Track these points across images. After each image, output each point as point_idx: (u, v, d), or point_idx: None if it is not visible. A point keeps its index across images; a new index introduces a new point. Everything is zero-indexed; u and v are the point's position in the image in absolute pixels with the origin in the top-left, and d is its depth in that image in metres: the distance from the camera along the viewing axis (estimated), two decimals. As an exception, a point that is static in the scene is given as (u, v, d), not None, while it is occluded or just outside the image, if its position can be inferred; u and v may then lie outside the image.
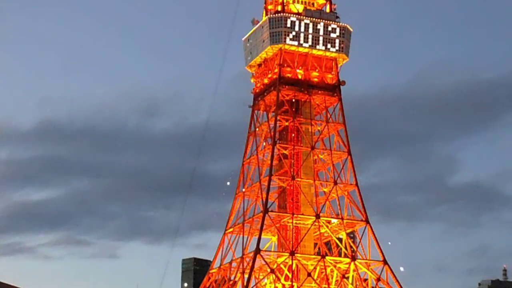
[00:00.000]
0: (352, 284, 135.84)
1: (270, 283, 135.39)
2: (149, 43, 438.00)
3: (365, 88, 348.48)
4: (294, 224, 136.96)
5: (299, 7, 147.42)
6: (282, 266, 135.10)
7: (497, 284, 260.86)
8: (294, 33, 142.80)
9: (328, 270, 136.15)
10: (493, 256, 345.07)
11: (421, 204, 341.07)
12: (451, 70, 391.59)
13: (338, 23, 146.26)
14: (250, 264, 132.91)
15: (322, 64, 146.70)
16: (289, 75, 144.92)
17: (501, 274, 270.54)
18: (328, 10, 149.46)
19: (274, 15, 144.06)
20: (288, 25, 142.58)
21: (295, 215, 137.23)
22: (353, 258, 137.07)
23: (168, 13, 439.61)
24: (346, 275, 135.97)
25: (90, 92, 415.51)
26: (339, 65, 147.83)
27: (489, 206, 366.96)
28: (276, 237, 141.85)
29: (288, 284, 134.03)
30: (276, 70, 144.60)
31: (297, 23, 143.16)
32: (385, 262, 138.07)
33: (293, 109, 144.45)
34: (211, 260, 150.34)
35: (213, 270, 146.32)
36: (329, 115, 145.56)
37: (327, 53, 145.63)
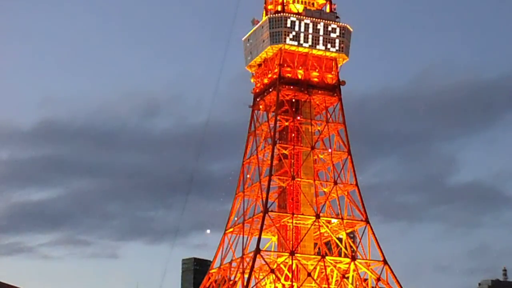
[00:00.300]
0: (352, 284, 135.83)
1: (270, 283, 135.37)
2: (150, 43, 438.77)
3: (365, 88, 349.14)
4: (294, 224, 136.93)
5: (299, 7, 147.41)
6: (282, 266, 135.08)
7: (497, 284, 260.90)
8: (294, 33, 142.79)
9: (328, 270, 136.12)
10: (493, 256, 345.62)
11: (421, 204, 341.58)
12: (451, 70, 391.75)
13: (338, 23, 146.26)
14: (250, 264, 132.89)
15: (322, 64, 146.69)
16: (289, 75, 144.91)
17: (501, 274, 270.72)
18: (328, 10, 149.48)
19: (274, 15, 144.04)
20: (288, 25, 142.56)
21: (295, 215, 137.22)
22: (353, 258, 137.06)
23: (168, 13, 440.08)
24: (346, 275, 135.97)
25: (90, 92, 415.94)
26: (339, 65, 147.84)
27: (489, 206, 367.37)
28: (276, 237, 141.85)
29: (288, 284, 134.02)
30: (276, 70, 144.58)
31: (297, 23, 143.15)
32: (385, 262, 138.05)
33: (293, 109, 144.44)
34: (211, 260, 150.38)
35: (213, 270, 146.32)
36: (329, 115, 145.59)
37: (327, 53, 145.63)
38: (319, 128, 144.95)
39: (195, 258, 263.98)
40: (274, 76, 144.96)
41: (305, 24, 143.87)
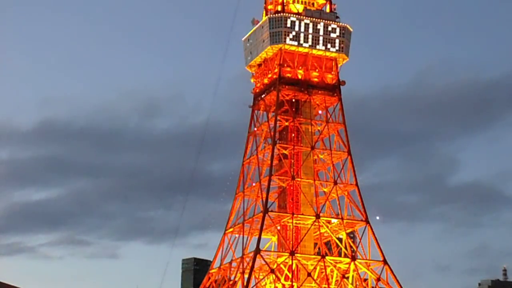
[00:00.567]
0: (352, 284, 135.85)
1: (270, 283, 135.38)
2: (150, 43, 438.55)
3: (365, 88, 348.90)
4: (294, 224, 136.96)
5: (299, 7, 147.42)
6: (282, 266, 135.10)
7: (497, 284, 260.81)
8: (294, 33, 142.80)
9: (328, 270, 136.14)
10: (493, 256, 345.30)
11: (421, 204, 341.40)
12: (451, 70, 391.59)
13: (338, 23, 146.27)
14: (250, 264, 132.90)
15: (322, 64, 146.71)
16: (289, 75, 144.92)
17: (501, 274, 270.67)
18: (328, 10, 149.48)
19: (274, 15, 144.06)
20: (288, 25, 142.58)
21: (295, 215, 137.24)
22: (353, 258, 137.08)
23: (168, 13, 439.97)
24: (346, 275, 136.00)
25: (90, 92, 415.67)
26: (339, 65, 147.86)
27: (489, 206, 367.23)
28: (276, 237, 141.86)
29: (288, 284, 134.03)
30: (276, 70, 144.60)
31: (297, 23, 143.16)
32: (385, 262, 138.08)
33: (293, 109, 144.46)
34: (211, 260, 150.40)
35: (213, 270, 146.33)
36: (329, 115, 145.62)
37: (327, 53, 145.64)
38: (319, 128, 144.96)
39: (195, 258, 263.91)
40: (274, 76, 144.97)
41: (305, 24, 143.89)
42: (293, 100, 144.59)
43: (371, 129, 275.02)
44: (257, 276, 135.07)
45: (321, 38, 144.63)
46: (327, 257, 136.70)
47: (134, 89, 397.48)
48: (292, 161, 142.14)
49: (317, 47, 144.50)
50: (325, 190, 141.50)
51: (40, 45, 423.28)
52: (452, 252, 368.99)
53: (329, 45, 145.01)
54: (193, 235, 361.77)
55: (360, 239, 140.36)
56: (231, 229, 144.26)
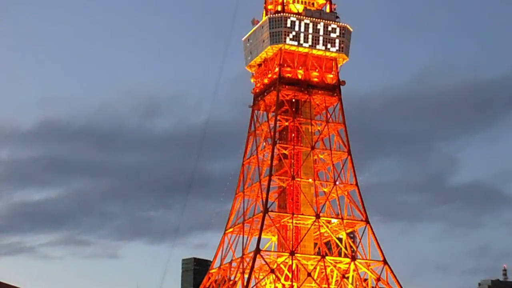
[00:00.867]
0: (352, 284, 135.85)
1: (270, 283, 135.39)
2: (150, 43, 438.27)
3: (365, 88, 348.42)
4: (294, 224, 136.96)
5: (299, 7, 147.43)
6: (282, 266, 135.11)
7: (497, 284, 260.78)
8: (294, 33, 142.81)
9: (328, 270, 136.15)
10: (493, 256, 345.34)
11: (421, 204, 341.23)
12: (451, 70, 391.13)
13: (338, 23, 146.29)
14: (250, 264, 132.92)
15: (322, 64, 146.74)
16: (289, 75, 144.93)
17: (501, 274, 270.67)
18: (328, 10, 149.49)
19: (274, 15, 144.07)
20: (288, 25, 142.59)
21: (295, 215, 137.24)
22: (353, 258, 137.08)
23: (168, 13, 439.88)
24: (346, 275, 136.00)
25: (90, 92, 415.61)
26: (339, 65, 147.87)
27: (489, 206, 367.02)
28: (276, 237, 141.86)
29: (288, 284, 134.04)
30: (276, 70, 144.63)
31: (297, 23, 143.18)
32: (385, 262, 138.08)
33: (293, 109, 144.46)
34: (211, 260, 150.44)
35: (213, 270, 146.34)
36: (329, 115, 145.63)
37: (327, 53, 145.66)
38: (319, 128, 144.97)
39: (195, 258, 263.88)
40: (274, 76, 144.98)
41: (305, 24, 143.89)
42: (293, 100, 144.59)
43: (371, 129, 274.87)
44: (257, 276, 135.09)
45: (321, 38, 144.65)
46: (327, 257, 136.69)
47: (134, 89, 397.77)
48: (292, 161, 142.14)
49: (317, 47, 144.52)
50: (325, 190, 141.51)
51: (40, 45, 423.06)
52: (452, 252, 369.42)
53: (329, 45, 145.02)
54: (193, 235, 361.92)
55: (360, 239, 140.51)
56: (231, 229, 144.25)
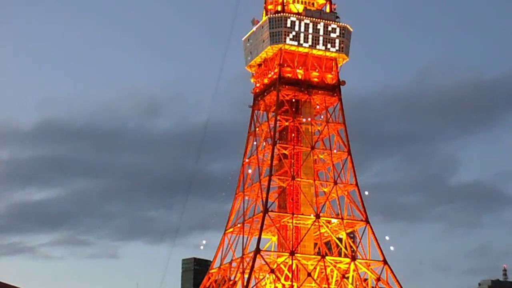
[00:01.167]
0: (352, 284, 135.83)
1: (270, 283, 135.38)
2: (150, 43, 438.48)
3: (365, 88, 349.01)
4: (294, 224, 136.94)
5: (299, 7, 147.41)
6: (282, 266, 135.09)
7: (497, 284, 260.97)
8: (294, 33, 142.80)
9: (328, 270, 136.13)
10: (493, 256, 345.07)
11: (421, 204, 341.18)
12: (452, 70, 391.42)
13: (338, 23, 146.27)
14: (250, 264, 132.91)
15: (322, 64, 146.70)
16: (289, 75, 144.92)
17: (501, 274, 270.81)
18: (328, 10, 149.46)
19: (274, 15, 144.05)
20: (288, 25, 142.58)
21: (295, 215, 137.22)
22: (353, 258, 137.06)
23: (168, 13, 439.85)
24: (346, 275, 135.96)
25: (91, 92, 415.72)
26: (339, 65, 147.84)
27: (489, 206, 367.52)
28: (276, 237, 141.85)
29: (288, 284, 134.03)
30: (276, 70, 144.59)
31: (297, 23, 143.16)
32: (385, 262, 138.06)
33: (293, 109, 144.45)
34: (211, 260, 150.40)
35: (213, 270, 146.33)
36: (329, 115, 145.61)
37: (327, 53, 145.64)
38: (319, 128, 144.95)
39: (195, 258, 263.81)
40: (274, 76, 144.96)
41: (305, 24, 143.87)
42: (293, 100, 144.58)
43: (371, 129, 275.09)
44: (257, 276, 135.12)
45: (321, 38, 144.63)
46: (327, 257, 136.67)
47: (135, 89, 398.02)
48: (292, 161, 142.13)
49: (317, 47, 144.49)
50: (325, 190, 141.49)
51: (40, 45, 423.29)
52: (452, 252, 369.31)
53: (329, 45, 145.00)
54: (193, 235, 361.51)
55: (360, 239, 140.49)
56: (231, 229, 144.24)
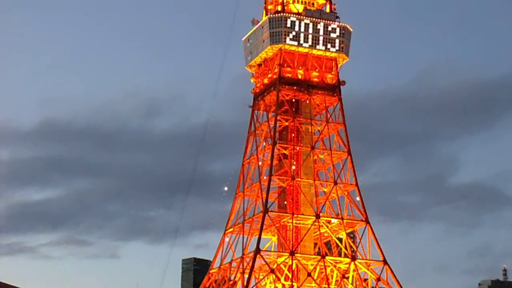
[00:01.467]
0: (352, 284, 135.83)
1: (270, 283, 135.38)
2: (150, 44, 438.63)
3: (365, 88, 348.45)
4: (294, 224, 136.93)
5: (299, 7, 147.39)
6: (282, 266, 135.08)
7: (497, 284, 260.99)
8: (294, 33, 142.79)
9: (328, 270, 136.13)
10: (493, 256, 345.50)
11: (421, 204, 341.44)
12: (452, 70, 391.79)
13: (338, 23, 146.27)
14: (250, 264, 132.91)
15: (322, 64, 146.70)
16: (289, 75, 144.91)
17: (501, 274, 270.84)
18: (328, 10, 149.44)
19: (274, 15, 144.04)
20: (288, 25, 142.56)
21: (295, 215, 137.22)
22: (353, 258, 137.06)
23: (168, 13, 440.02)
24: (346, 275, 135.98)
25: (91, 92, 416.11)
26: (339, 65, 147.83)
27: (489, 206, 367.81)
28: (276, 237, 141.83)
29: (288, 284, 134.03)
30: (276, 70, 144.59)
31: (297, 23, 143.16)
32: (385, 262, 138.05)
33: (293, 109, 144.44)
34: (211, 260, 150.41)
35: (213, 270, 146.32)
36: (329, 115, 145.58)
37: (327, 53, 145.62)
38: (319, 128, 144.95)
39: (195, 258, 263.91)
40: (274, 76, 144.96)
41: (305, 24, 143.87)
42: (293, 100, 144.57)
43: (371, 129, 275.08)
44: (257, 276, 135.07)
45: (321, 38, 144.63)
46: (327, 257, 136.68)
47: (135, 89, 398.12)
48: (292, 161, 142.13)
49: (317, 47, 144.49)
50: (325, 190, 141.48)
51: (40, 45, 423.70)
52: (453, 252, 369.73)
53: (329, 45, 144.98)
54: (193, 235, 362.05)
55: (360, 239, 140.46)
56: (231, 229, 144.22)
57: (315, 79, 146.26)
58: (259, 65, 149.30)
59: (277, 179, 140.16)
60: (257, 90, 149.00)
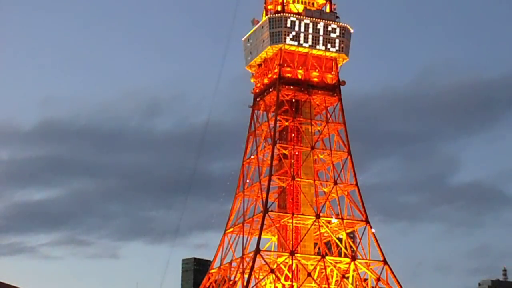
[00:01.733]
0: (352, 284, 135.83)
1: (270, 283, 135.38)
2: (150, 43, 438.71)
3: (365, 88, 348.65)
4: (294, 224, 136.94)
5: (299, 7, 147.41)
6: (282, 266, 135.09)
7: (497, 284, 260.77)
8: (294, 33, 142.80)
9: (328, 270, 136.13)
10: (493, 256, 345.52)
11: (422, 204, 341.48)
12: (452, 70, 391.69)
13: (338, 23, 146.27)
14: (250, 264, 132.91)
15: (322, 64, 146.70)
16: (289, 75, 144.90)
17: (501, 274, 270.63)
18: (328, 10, 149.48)
19: (274, 15, 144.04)
20: (288, 25, 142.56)
21: (295, 215, 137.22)
22: (353, 258, 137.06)
23: (169, 13, 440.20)
24: (346, 275, 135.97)
25: (91, 92, 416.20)
26: (339, 65, 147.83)
27: (490, 206, 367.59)
28: (276, 237, 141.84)
29: (288, 284, 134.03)
30: (276, 70, 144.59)
31: (297, 23, 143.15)
32: (385, 262, 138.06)
33: (293, 109, 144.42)
34: (211, 260, 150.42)
35: (213, 270, 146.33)
36: (329, 115, 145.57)
37: (327, 53, 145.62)
38: (319, 128, 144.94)
39: (195, 258, 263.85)
40: (274, 76, 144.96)
41: (305, 24, 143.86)
42: (293, 100, 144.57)
43: (371, 129, 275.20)
44: (257, 276, 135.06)
45: (321, 38, 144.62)
46: (327, 257, 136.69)
47: (135, 89, 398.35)
48: (292, 161, 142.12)
49: (317, 47, 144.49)
50: (325, 190, 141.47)
51: (40, 45, 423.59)
52: (453, 252, 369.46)
53: (329, 45, 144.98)
54: (193, 235, 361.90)
55: (360, 239, 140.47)
56: (231, 229, 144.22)
57: (315, 79, 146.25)
58: (259, 65, 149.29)
59: (277, 179, 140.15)
60: (257, 90, 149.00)
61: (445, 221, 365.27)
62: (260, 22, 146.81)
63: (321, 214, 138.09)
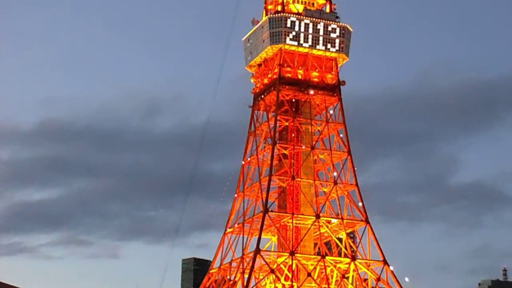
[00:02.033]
0: (352, 284, 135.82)
1: (270, 283, 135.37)
2: (151, 43, 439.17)
3: (365, 88, 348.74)
4: (294, 224, 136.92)
5: (299, 7, 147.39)
6: (282, 266, 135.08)
7: (497, 284, 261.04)
8: (294, 33, 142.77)
9: (328, 270, 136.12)
10: (493, 256, 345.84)
11: (422, 204, 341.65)
12: (452, 70, 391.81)
13: (338, 23, 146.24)
14: (250, 264, 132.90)
15: (322, 64, 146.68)
16: (289, 75, 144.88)
17: (501, 274, 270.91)
18: (328, 10, 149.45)
19: (274, 15, 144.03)
20: (288, 25, 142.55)
21: (295, 215, 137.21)
22: (353, 258, 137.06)
23: (169, 13, 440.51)
24: (346, 275, 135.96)
25: (91, 92, 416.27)
26: (339, 65, 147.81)
27: (490, 206, 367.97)
28: (276, 237, 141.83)
29: (288, 284, 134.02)
30: (276, 70, 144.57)
31: (297, 23, 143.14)
32: (385, 262, 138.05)
33: (293, 109, 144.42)
34: (211, 260, 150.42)
35: (213, 270, 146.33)
36: (329, 115, 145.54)
37: (327, 53, 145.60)
38: (319, 128, 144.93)
39: (195, 258, 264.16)
40: (274, 76, 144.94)
41: (305, 24, 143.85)
42: (293, 100, 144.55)
43: (371, 129, 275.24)
44: (257, 276, 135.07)
45: (321, 38, 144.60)
46: (327, 257, 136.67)
47: (135, 89, 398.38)
48: (292, 161, 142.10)
49: (317, 47, 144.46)
50: (325, 190, 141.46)
51: (40, 45, 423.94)
52: (453, 252, 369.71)
53: (329, 45, 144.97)
54: (193, 235, 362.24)
55: (360, 239, 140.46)
56: (231, 229, 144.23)
57: (315, 79, 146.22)
58: (259, 65, 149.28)
59: (277, 179, 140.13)
60: (257, 90, 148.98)
61: (445, 221, 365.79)
62: (260, 22, 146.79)
63: (321, 214, 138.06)
